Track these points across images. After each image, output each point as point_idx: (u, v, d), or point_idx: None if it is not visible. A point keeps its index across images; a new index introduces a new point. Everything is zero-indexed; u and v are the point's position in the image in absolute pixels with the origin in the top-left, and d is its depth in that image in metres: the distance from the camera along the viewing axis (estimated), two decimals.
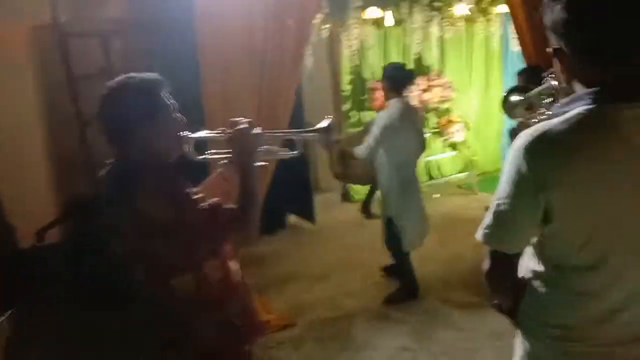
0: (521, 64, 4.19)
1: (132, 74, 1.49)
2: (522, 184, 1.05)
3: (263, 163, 1.66)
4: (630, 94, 1.02)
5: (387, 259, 4.08)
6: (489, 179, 7.01)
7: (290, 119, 3.39)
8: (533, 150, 1.03)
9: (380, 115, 3.62)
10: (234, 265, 1.67)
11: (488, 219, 1.15)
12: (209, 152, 1.71)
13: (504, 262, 1.19)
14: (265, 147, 1.68)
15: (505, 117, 7.37)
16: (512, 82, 5.51)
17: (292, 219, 5.79)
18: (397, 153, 3.54)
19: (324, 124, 1.79)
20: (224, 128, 1.63)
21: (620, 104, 1.01)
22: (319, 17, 5.19)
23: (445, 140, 6.85)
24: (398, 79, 3.59)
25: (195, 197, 1.49)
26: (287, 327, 3.42)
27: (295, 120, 4.22)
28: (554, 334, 1.15)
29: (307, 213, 5.43)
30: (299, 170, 5.14)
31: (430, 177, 6.87)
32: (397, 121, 3.47)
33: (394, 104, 3.55)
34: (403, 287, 3.74)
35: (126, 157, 1.48)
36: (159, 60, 3.61)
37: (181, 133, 1.57)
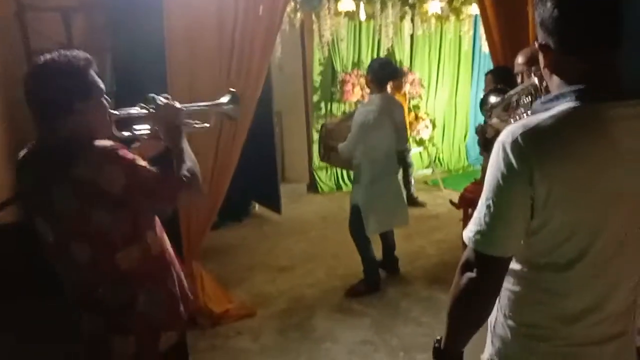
0: (490, 66, 4.25)
1: (61, 52, 1.46)
2: (513, 179, 1.02)
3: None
4: (613, 92, 1.04)
5: (350, 252, 4.08)
6: (454, 176, 7.14)
7: (259, 107, 3.34)
8: (522, 144, 1.01)
9: (360, 110, 3.66)
10: (165, 239, 1.67)
11: (478, 221, 1.08)
12: (134, 128, 1.73)
13: (499, 270, 1.09)
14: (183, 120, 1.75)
15: (472, 116, 7.46)
16: (481, 82, 5.56)
17: (258, 208, 5.75)
18: (371, 149, 3.59)
19: (228, 96, 1.89)
20: (144, 105, 1.67)
21: (604, 102, 1.03)
22: (290, 6, 5.13)
23: (412, 136, 6.92)
24: (384, 75, 3.62)
25: (141, 162, 1.48)
26: (247, 316, 3.40)
27: (264, 109, 4.17)
28: (523, 332, 1.14)
29: (273, 203, 5.40)
30: (266, 160, 5.10)
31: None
32: (373, 119, 3.51)
33: (374, 100, 3.59)
34: (365, 280, 3.76)
35: (55, 136, 1.45)
36: (123, 40, 3.49)
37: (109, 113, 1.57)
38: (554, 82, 1.11)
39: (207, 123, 1.89)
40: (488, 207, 1.06)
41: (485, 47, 6.10)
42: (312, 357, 2.96)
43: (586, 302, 1.09)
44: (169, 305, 1.59)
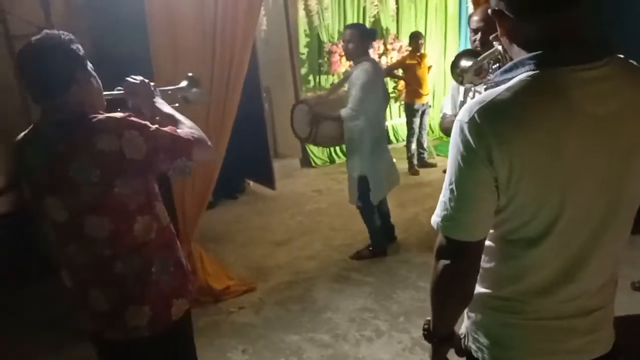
0: None
1: (47, 31, 1.47)
2: (473, 160, 0.97)
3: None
4: (571, 56, 0.97)
5: (346, 223, 4.11)
6: (445, 143, 7.13)
7: (247, 84, 3.30)
8: (479, 121, 0.95)
9: (356, 73, 3.53)
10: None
11: (443, 206, 1.04)
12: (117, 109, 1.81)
13: (472, 253, 1.05)
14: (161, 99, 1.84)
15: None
16: (468, 44, 5.46)
17: (253, 185, 5.75)
18: (370, 112, 3.55)
19: (186, 81, 2.06)
20: (120, 88, 1.77)
21: (563, 67, 0.96)
22: None
23: (401, 105, 6.89)
24: (369, 38, 3.60)
25: (151, 125, 1.52)
26: (248, 291, 3.44)
27: (252, 85, 4.12)
28: (496, 305, 1.11)
29: (266, 179, 5.40)
30: (257, 136, 5.07)
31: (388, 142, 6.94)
32: (371, 80, 3.47)
33: (365, 63, 3.51)
34: (372, 246, 3.82)
35: (61, 111, 1.46)
36: (102, 22, 3.43)
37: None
38: (513, 50, 1.05)
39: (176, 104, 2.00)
40: (452, 190, 1.01)
41: (472, 8, 6.03)
42: (314, 328, 3.01)
43: (557, 274, 1.05)
44: (179, 273, 1.64)
